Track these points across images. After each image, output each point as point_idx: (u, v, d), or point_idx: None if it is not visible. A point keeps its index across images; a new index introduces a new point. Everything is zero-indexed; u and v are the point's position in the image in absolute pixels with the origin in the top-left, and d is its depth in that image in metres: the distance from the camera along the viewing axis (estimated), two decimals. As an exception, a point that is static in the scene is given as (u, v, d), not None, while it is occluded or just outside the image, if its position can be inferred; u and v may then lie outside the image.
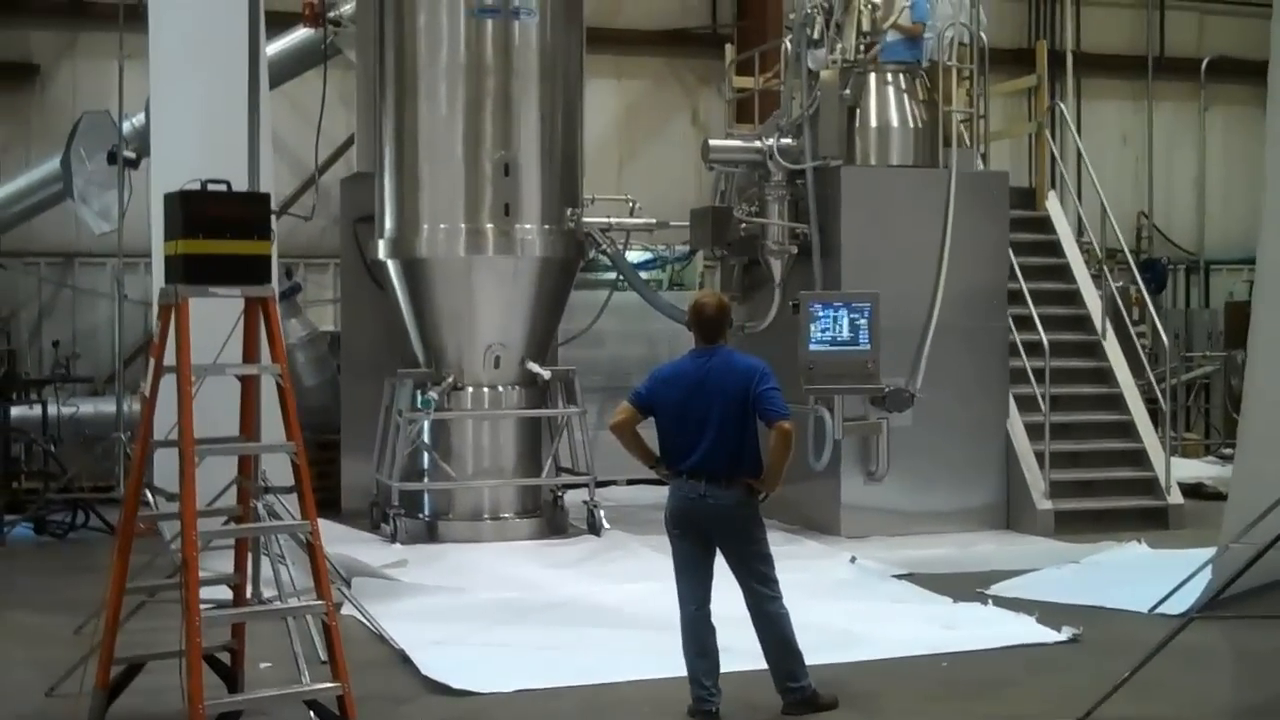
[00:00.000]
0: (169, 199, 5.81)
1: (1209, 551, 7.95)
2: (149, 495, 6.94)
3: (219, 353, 5.87)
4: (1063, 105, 14.53)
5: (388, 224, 10.88)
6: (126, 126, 11.63)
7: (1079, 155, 13.66)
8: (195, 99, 8.93)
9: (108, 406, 11.73)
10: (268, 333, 5.82)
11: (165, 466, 6.28)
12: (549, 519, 10.82)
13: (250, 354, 5.86)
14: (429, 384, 10.54)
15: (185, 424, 5.42)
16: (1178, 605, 7.67)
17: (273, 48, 11.24)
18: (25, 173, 13.42)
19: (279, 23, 11.64)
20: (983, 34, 11.49)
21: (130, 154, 11.32)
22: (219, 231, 5.68)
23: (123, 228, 11.17)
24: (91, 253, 13.84)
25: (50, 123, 13.87)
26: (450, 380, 10.52)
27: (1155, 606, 7.85)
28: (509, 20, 10.75)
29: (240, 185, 6.23)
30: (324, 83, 8.87)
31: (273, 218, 6.27)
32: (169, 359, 5.58)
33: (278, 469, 6.82)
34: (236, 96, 7.19)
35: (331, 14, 12.45)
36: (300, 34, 12.82)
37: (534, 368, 10.66)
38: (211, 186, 5.76)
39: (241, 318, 5.85)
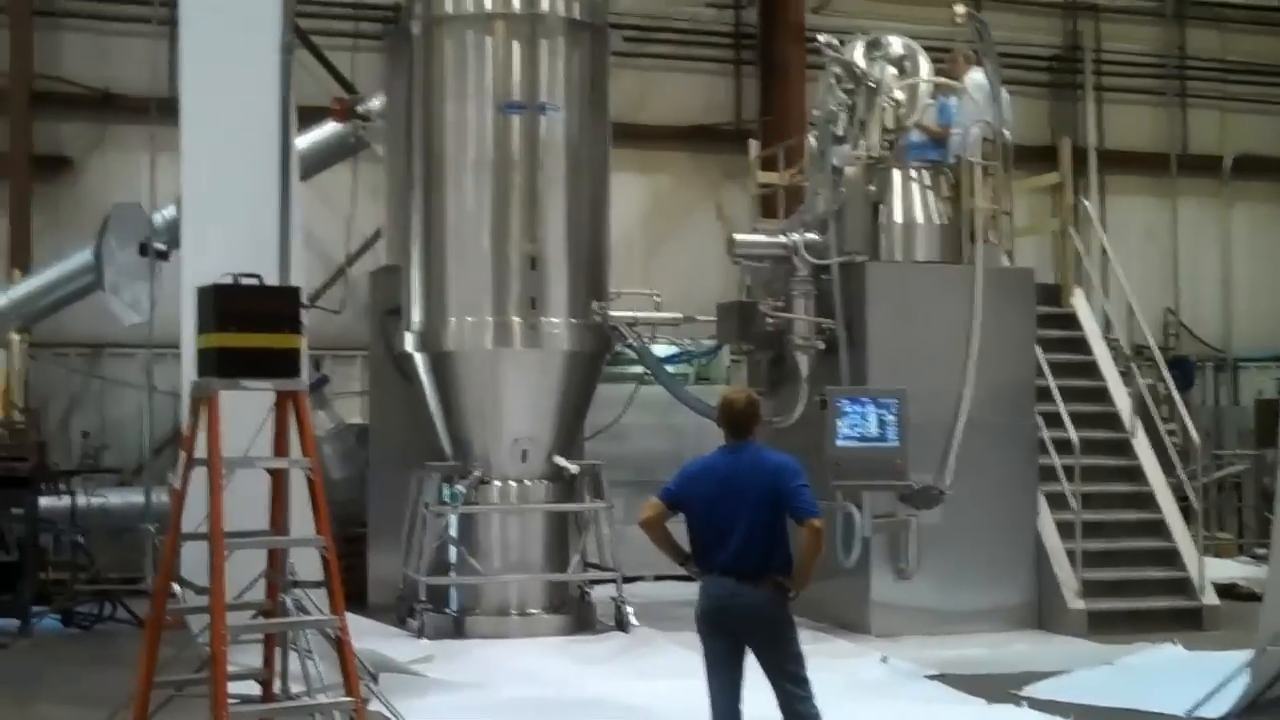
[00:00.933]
0: (202, 292, 5.84)
1: (1246, 653, 7.82)
2: (177, 588, 6.90)
3: (249, 445, 5.88)
4: (1087, 202, 14.56)
5: (415, 316, 10.91)
6: (157, 219, 11.72)
7: (1104, 252, 13.66)
8: (226, 192, 8.97)
9: (136, 497, 11.70)
10: (298, 426, 5.83)
11: (193, 559, 6.26)
12: (576, 615, 10.72)
13: (281, 448, 5.87)
14: (456, 477, 10.52)
15: (216, 517, 5.41)
16: (1215, 708, 7.53)
17: (303, 141, 11.33)
18: (57, 264, 13.52)
19: (309, 117, 11.75)
20: (1006, 131, 11.55)
21: (161, 246, 11.40)
22: (251, 325, 5.72)
23: (153, 319, 11.23)
24: (121, 343, 13.90)
25: (82, 215, 14.00)
26: (477, 474, 10.49)
27: (1193, 709, 7.69)
28: (535, 116, 10.84)
29: (271, 279, 6.26)
30: (354, 177, 8.93)
31: (302, 311, 6.29)
32: (200, 451, 5.59)
33: (306, 562, 6.78)
34: (267, 189, 7.27)
35: (360, 108, 12.61)
36: (330, 128, 12.94)
37: (561, 462, 10.63)
38: (243, 280, 5.79)
39: (272, 411, 5.85)
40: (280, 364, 5.75)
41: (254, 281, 5.78)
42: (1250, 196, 18.35)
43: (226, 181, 9.03)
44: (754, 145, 13.87)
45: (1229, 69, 18.88)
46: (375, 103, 12.49)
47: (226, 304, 5.65)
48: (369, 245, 13.96)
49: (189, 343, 7.25)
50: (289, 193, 7.08)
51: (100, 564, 11.08)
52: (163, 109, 10.86)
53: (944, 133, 11.41)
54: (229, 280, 5.74)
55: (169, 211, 11.83)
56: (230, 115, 9.02)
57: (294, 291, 6.16)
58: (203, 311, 5.78)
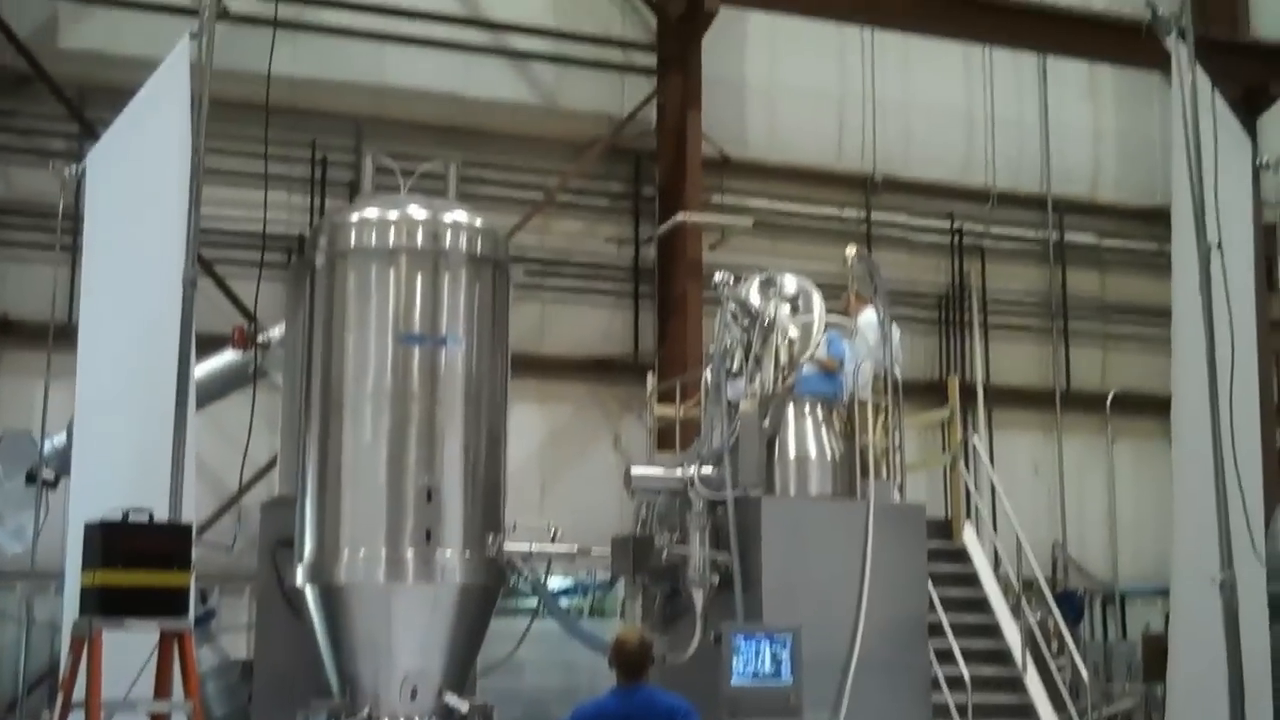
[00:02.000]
0: (89, 529, 5.78)
1: None
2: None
3: (130, 686, 5.74)
4: (976, 438, 14.91)
5: (307, 548, 10.75)
6: (47, 445, 11.58)
7: (993, 487, 13.93)
8: (120, 422, 8.94)
9: (7, 737, 11.29)
10: (182, 667, 5.72)
11: (66, 807, 6.03)
12: None
13: (163, 688, 5.74)
14: (343, 715, 10.24)
15: (91, 765, 5.25)
16: None
17: (200, 369, 11.32)
18: (-62, 490, 13.23)
19: (208, 344, 11.77)
20: (897, 367, 11.86)
21: (49, 475, 11.24)
22: (138, 563, 5.67)
23: (36, 549, 10.99)
24: (-1, 572, 13.55)
25: (-31, 439, 13.77)
26: (365, 712, 10.24)
27: None
28: (436, 348, 10.92)
29: (162, 512, 6.19)
30: (252, 409, 8.94)
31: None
32: (78, 693, 5.45)
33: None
34: (163, 421, 7.23)
35: (261, 337, 12.64)
36: (228, 356, 12.94)
37: (452, 700, 10.40)
38: (133, 516, 5.73)
39: (155, 650, 5.74)
40: (167, 603, 5.68)
41: (144, 518, 5.72)
42: (1132, 433, 18.85)
43: (121, 411, 8.99)
44: (651, 378, 14.07)
45: (1108, 308, 19.63)
46: (275, 331, 12.53)
47: (114, 541, 5.59)
48: (262, 475, 13.85)
49: (73, 577, 7.11)
50: (184, 425, 7.06)
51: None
52: (60, 336, 10.86)
53: (833, 365, 11.68)
54: (118, 515, 5.67)
55: (59, 438, 11.71)
56: (128, 345, 9.04)
57: (185, 530, 6.11)
58: (89, 548, 5.70)
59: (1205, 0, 18.15)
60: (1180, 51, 7.75)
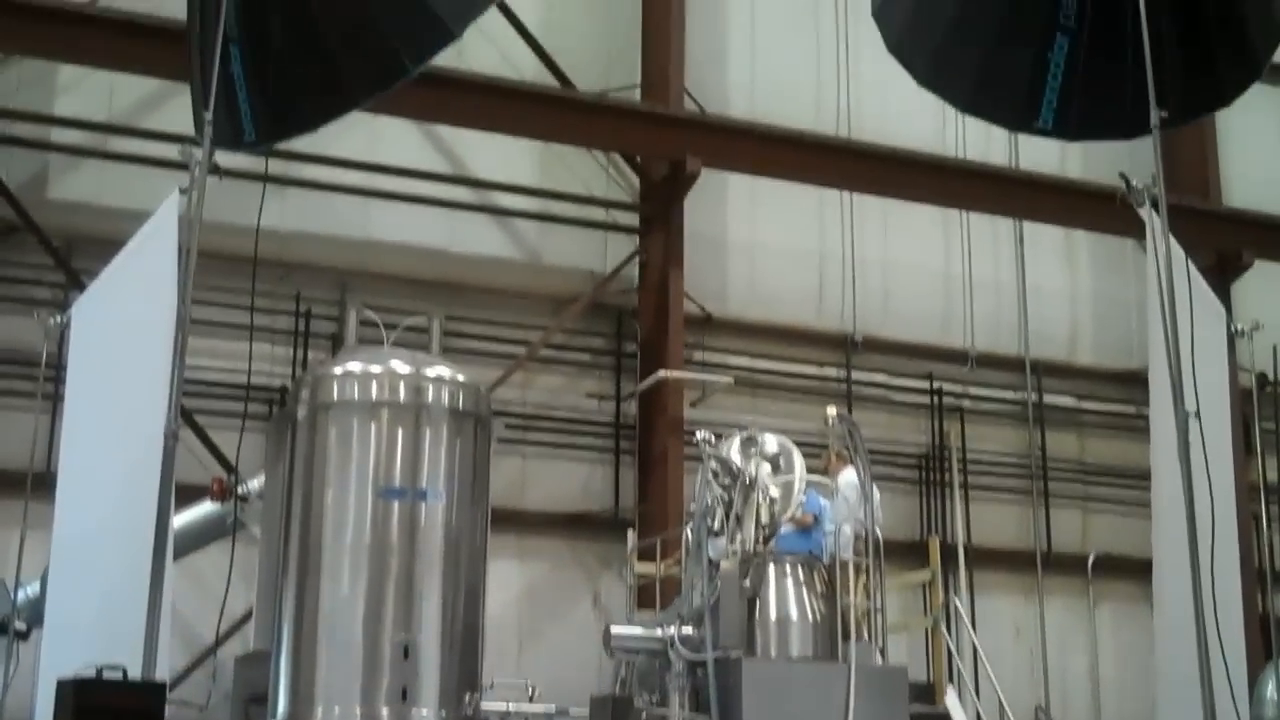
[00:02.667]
0: (61, 685, 5.69)
1: None
2: None
3: None
4: (957, 600, 14.85)
5: (280, 705, 10.60)
6: (20, 596, 11.44)
7: (975, 649, 13.84)
8: (96, 574, 8.84)
9: None
10: (151, 829, 5.59)
11: None
12: None
13: None
14: None
15: None
16: None
17: (178, 520, 11.26)
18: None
19: (187, 495, 11.73)
20: (878, 528, 11.84)
21: (21, 626, 11.10)
22: (111, 721, 5.55)
23: (6, 701, 10.79)
24: (-36, 726, 13.27)
25: (-60, 590, 13.59)
26: None
27: None
28: (416, 503, 10.89)
29: (135, 668, 6.11)
30: (231, 561, 8.88)
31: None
32: None
33: None
34: (139, 575, 7.16)
35: (240, 489, 12.59)
36: (206, 508, 12.88)
37: None
38: (106, 673, 5.66)
39: (124, 812, 5.62)
40: (138, 762, 5.56)
41: (117, 674, 5.64)
42: (1113, 595, 18.80)
43: (96, 562, 8.90)
44: (631, 535, 14.03)
45: (1087, 471, 19.69)
46: (255, 483, 12.50)
47: (86, 699, 5.50)
48: (237, 628, 13.68)
49: (43, 729, 7.00)
50: (161, 580, 6.99)
51: None
52: (38, 484, 10.79)
53: (808, 520, 11.67)
54: (91, 672, 5.60)
55: (33, 588, 11.57)
56: (106, 495, 8.97)
57: (159, 688, 6.02)
58: (60, 705, 5.61)
59: (1177, 168, 18.54)
60: (1154, 221, 7.91)
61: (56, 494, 9.29)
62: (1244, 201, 20.38)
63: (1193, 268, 8.12)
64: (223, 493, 12.51)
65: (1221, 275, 18.81)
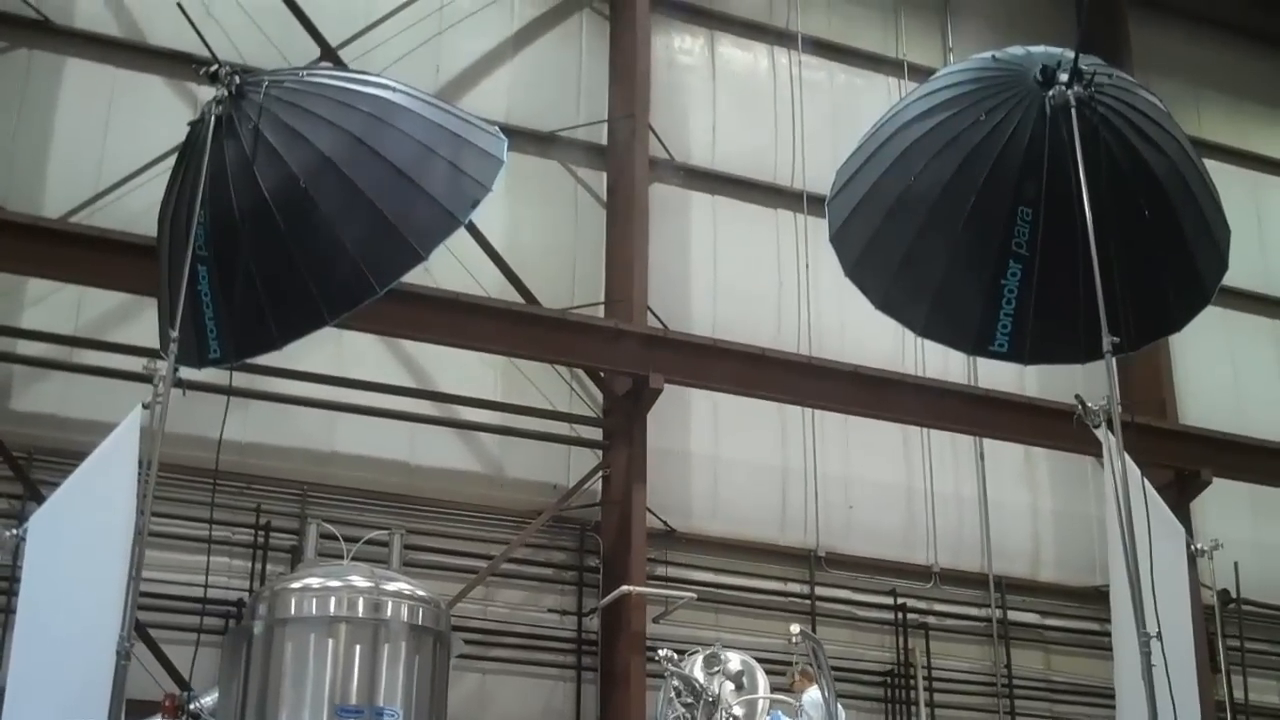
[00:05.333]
0: None
1: None
2: None
3: None
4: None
5: None
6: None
7: None
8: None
9: None
10: None
11: None
12: None
13: None
14: None
15: None
16: None
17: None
18: None
19: (139, 710, 11.40)
20: (843, 750, 11.68)
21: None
22: None
23: None
24: None
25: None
26: None
27: None
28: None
29: None
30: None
31: None
32: None
33: None
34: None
35: (192, 706, 12.33)
36: (157, 724, 12.60)
37: None
38: None
39: None
40: None
41: None
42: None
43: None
44: None
45: (1054, 689, 19.51)
46: (209, 700, 12.25)
47: None
48: None
49: None
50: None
51: None
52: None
53: (774, 733, 11.50)
54: None
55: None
56: (56, 713, 8.78)
57: None
58: None
59: (1133, 388, 18.82)
60: (1110, 442, 8.00)
61: (2, 710, 9.07)
62: (1200, 420, 20.67)
63: (1150, 487, 8.17)
64: (174, 710, 12.23)
65: (1181, 493, 18.97)
